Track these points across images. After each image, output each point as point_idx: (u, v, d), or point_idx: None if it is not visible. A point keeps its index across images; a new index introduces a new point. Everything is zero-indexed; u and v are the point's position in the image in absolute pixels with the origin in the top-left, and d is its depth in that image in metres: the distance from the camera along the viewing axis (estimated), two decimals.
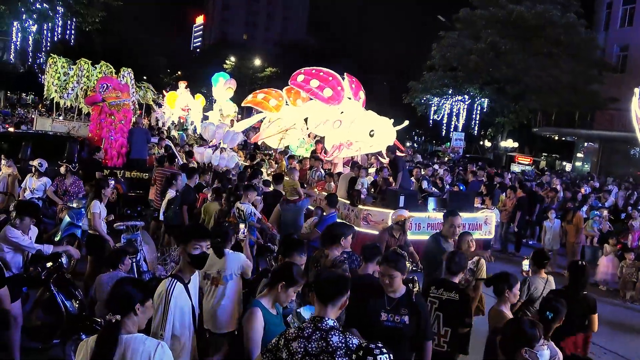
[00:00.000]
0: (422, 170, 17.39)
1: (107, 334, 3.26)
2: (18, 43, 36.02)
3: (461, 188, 15.71)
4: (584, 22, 36.84)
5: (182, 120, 28.08)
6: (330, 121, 14.32)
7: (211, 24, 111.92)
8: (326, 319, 3.50)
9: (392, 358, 3.17)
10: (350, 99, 14.40)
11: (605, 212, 14.06)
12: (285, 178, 11.41)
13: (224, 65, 60.28)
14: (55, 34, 36.59)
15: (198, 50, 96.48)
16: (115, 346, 3.21)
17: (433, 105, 42.53)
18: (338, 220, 10.82)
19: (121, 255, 6.54)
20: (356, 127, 14.08)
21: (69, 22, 36.40)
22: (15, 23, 33.85)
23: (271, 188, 11.29)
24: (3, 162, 11.37)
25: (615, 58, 39.91)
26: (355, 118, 14.18)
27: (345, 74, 14.63)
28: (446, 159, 37.73)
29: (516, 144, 48.11)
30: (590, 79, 36.07)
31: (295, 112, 16.42)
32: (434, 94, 41.59)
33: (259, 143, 19.84)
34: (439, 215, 11.51)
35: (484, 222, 12.24)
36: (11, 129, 20.63)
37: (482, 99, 40.52)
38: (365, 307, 4.69)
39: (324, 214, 9.33)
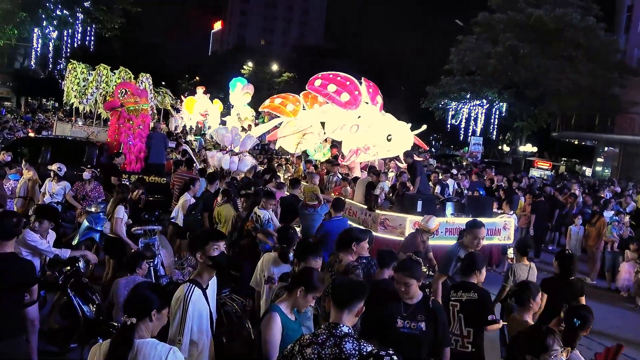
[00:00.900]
0: (440, 175, 17.27)
1: (122, 336, 3.24)
2: (39, 49, 36.56)
3: (480, 193, 15.56)
4: (604, 26, 36.47)
5: (199, 125, 28.20)
6: (347, 126, 14.28)
7: (229, 29, 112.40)
8: (341, 325, 3.46)
9: None
10: (367, 103, 14.35)
11: (626, 218, 13.84)
12: (304, 183, 11.38)
13: (242, 70, 60.50)
14: (75, 40, 37.08)
15: (216, 55, 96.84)
16: (129, 349, 3.19)
17: (451, 109, 42.35)
18: (354, 225, 10.80)
19: (139, 259, 6.55)
20: (373, 131, 14.03)
21: (88, 28, 36.87)
22: (36, 29, 34.36)
23: (286, 192, 11.26)
24: (24, 166, 11.48)
25: (636, 61, 39.39)
26: (372, 122, 14.13)
27: (362, 78, 14.58)
28: (464, 163, 37.45)
29: (535, 149, 47.73)
30: (610, 83, 35.64)
31: (312, 116, 16.36)
32: (452, 98, 41.39)
33: (277, 148, 19.85)
34: (457, 220, 11.44)
35: (502, 227, 12.11)
36: (32, 134, 20.88)
37: (501, 103, 40.28)
38: (381, 313, 4.64)
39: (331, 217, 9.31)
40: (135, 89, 14.79)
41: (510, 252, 6.89)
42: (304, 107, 17.02)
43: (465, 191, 16.61)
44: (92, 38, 38.25)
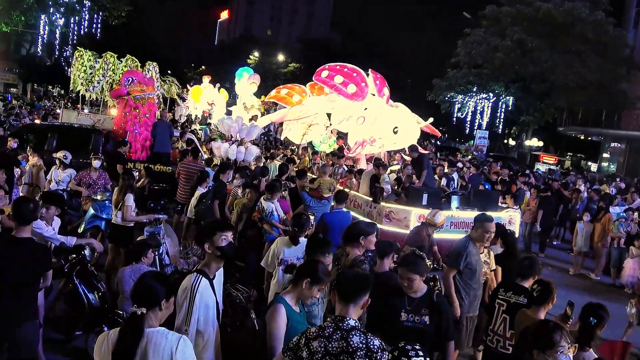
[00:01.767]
0: (445, 168, 17.24)
1: (132, 326, 3.23)
2: (45, 36, 36.56)
3: (486, 187, 15.52)
4: (613, 20, 36.30)
5: (205, 115, 28.18)
6: (353, 117, 14.23)
7: (235, 19, 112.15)
8: (348, 318, 3.45)
9: None
10: (374, 95, 14.30)
11: (635, 215, 13.78)
12: (310, 174, 11.35)
13: (248, 60, 60.38)
14: (82, 27, 37.07)
15: (222, 45, 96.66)
16: (139, 339, 3.19)
17: (457, 102, 42.25)
18: (358, 217, 10.79)
19: (144, 248, 6.56)
20: (380, 123, 13.98)
21: (95, 16, 36.86)
22: (43, 16, 34.36)
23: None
24: (29, 152, 11.47)
25: None
26: (378, 115, 14.08)
27: (369, 70, 14.52)
28: (469, 157, 37.36)
29: (541, 143, 47.60)
30: (618, 78, 35.50)
31: (318, 103, 16.20)
32: (458, 91, 41.29)
33: (282, 138, 19.80)
34: (462, 214, 11.42)
35: (508, 221, 12.06)
36: (37, 121, 20.89)
37: (507, 97, 40.15)
38: (385, 306, 4.65)
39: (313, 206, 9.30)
40: (142, 77, 14.78)
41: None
42: (309, 96, 16.97)
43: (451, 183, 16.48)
44: (99, 26, 38.24)
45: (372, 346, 3.30)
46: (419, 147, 14.36)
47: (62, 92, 54.57)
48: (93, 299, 6.23)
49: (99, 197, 9.73)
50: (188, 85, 33.48)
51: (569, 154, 50.45)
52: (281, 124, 19.82)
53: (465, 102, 42.08)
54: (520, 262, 5.92)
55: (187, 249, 9.10)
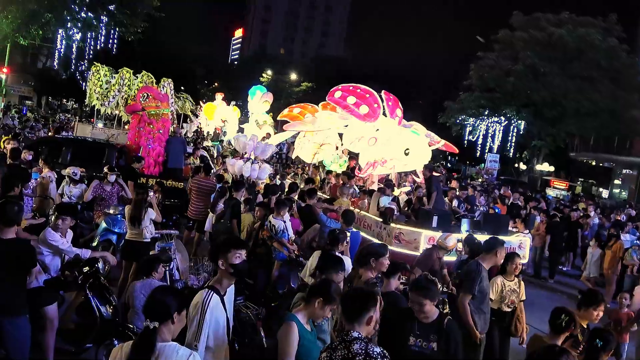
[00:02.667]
0: (457, 191, 17.24)
1: (145, 340, 3.27)
2: (62, 50, 37.02)
3: (496, 210, 15.50)
4: (626, 47, 36.32)
5: (217, 132, 28.37)
6: (365, 138, 14.30)
7: (250, 36, 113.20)
8: (352, 331, 3.54)
9: None
10: (386, 116, 14.37)
11: None
12: (320, 194, 11.40)
13: (261, 78, 60.77)
14: (99, 42, 37.51)
15: (236, 62, 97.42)
16: (152, 353, 3.23)
17: (468, 125, 42.28)
18: (368, 238, 10.80)
19: (155, 263, 6.61)
20: (391, 145, 14.03)
21: (112, 31, 37.32)
22: (60, 31, 34.82)
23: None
24: (41, 164, 11.55)
25: None
26: (390, 136, 14.14)
27: (382, 91, 14.61)
28: (479, 180, 37.32)
29: (552, 168, 47.45)
30: (630, 105, 35.41)
31: (329, 120, 16.20)
32: (469, 114, 41.34)
33: (294, 157, 19.91)
34: None
35: (518, 246, 12.03)
36: (51, 134, 21.12)
37: (519, 121, 40.16)
38: (395, 329, 4.66)
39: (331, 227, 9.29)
40: (157, 93, 14.93)
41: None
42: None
43: (482, 208, 16.49)
44: (115, 41, 38.70)
45: (371, 352, 3.37)
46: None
47: (77, 105, 55.04)
48: (105, 312, 6.27)
49: (111, 211, 9.82)
50: (201, 102, 33.77)
51: (580, 179, 50.26)
52: (293, 142, 19.91)
53: (476, 125, 42.12)
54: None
55: (197, 264, 9.15)
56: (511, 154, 45.12)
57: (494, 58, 39.19)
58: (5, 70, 37.25)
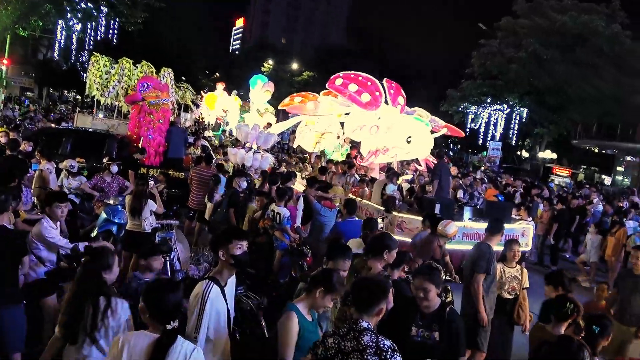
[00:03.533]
0: (461, 179, 17.16)
1: (167, 341, 3.27)
2: (62, 41, 36.89)
3: (499, 198, 15.42)
4: (630, 33, 36.04)
5: (219, 122, 28.31)
6: (367, 126, 14.20)
7: (251, 27, 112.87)
8: (361, 321, 3.51)
9: None
10: (387, 103, 14.26)
11: None
12: (334, 186, 11.39)
13: (262, 68, 60.58)
14: (99, 33, 37.37)
15: (237, 52, 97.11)
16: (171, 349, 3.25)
17: (470, 113, 42.13)
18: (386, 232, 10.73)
19: (155, 251, 6.54)
20: (393, 133, 13.95)
21: (112, 22, 37.17)
22: (60, 22, 34.68)
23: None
24: (37, 156, 11.47)
25: None
26: (392, 124, 14.05)
27: (384, 79, 14.50)
28: (482, 168, 37.20)
29: (554, 155, 47.32)
30: (633, 91, 35.16)
31: (331, 106, 16.04)
32: (472, 102, 41.18)
33: (295, 146, 19.83)
34: (475, 225, 11.34)
35: (521, 233, 11.98)
36: (52, 125, 21.04)
37: (522, 109, 39.98)
38: (397, 319, 4.61)
39: (340, 220, 9.22)
40: (157, 83, 14.86)
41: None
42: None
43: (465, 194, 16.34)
44: (116, 31, 38.54)
45: (382, 345, 3.36)
46: (432, 158, 14.34)
47: (78, 96, 54.92)
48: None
49: (111, 202, 9.75)
50: (202, 92, 33.67)
51: (582, 166, 50.14)
52: (294, 132, 19.81)
53: (478, 113, 41.97)
54: None
55: (198, 254, 9.11)
56: (513, 142, 44.98)
57: (496, 45, 38.98)
58: (5, 61, 37.11)
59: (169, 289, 3.43)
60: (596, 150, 46.12)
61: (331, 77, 14.40)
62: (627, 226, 13.83)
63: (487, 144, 43.47)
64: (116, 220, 9.48)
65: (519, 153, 51.17)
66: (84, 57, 40.82)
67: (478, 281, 6.52)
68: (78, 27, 36.16)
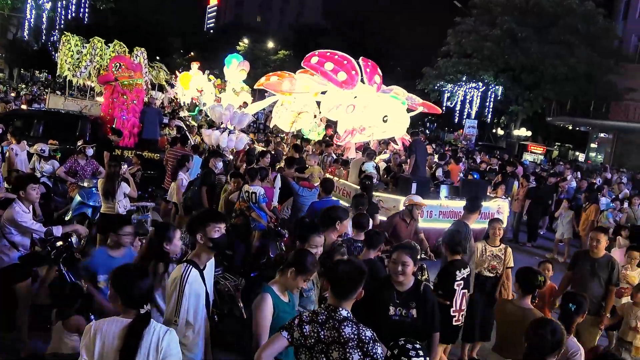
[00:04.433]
0: (435, 157, 17.25)
1: (140, 325, 3.26)
2: (32, 20, 36.11)
3: (475, 176, 15.56)
4: (603, 11, 36.29)
5: (194, 102, 28.04)
6: (343, 105, 14.15)
7: (225, 5, 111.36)
8: (340, 309, 3.47)
9: None
10: (363, 82, 14.22)
11: (625, 205, 13.87)
12: (310, 165, 11.35)
13: (237, 47, 59.97)
14: (69, 12, 36.63)
15: (211, 31, 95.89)
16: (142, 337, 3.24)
17: (446, 91, 42.23)
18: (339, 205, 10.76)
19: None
20: (369, 112, 13.92)
21: (83, 0, 36.44)
22: (29, 0, 33.90)
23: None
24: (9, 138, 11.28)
25: (633, 48, 39.51)
26: (368, 103, 14.02)
27: (360, 58, 14.43)
28: (458, 146, 37.41)
29: (529, 133, 47.77)
30: (607, 69, 35.54)
31: (308, 81, 15.92)
32: (448, 80, 41.22)
33: (271, 126, 19.72)
34: (452, 204, 11.46)
35: (496, 211, 12.12)
36: (24, 107, 20.65)
37: (497, 87, 40.16)
38: (373, 299, 4.61)
39: (304, 196, 9.26)
40: (130, 63, 14.64)
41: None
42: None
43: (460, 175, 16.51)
44: (87, 10, 37.79)
45: (364, 337, 3.33)
46: (408, 136, 14.38)
47: (50, 77, 54.00)
48: (80, 286, 6.16)
49: (85, 184, 9.64)
50: (177, 72, 33.26)
51: (557, 144, 50.70)
52: (270, 111, 19.68)
53: (454, 91, 42.07)
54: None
55: None
56: (489, 120, 45.25)
57: (471, 23, 38.98)
58: None
59: (137, 275, 3.39)
60: (570, 128, 46.63)
61: (307, 56, 14.30)
62: (600, 202, 14.05)
63: (463, 122, 43.68)
64: (90, 203, 9.38)
65: (494, 131, 51.54)
66: (54, 37, 40.03)
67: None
68: (48, 5, 35.34)
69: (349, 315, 3.46)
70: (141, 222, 8.59)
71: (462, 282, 5.74)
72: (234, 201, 9.16)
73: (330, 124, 16.45)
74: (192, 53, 64.91)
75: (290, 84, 15.80)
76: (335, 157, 14.18)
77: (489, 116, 43.56)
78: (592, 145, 44.71)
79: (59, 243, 6.12)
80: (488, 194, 12.92)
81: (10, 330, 5.96)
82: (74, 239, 6.36)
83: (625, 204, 14.16)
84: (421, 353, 3.08)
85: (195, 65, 29.58)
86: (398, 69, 57.92)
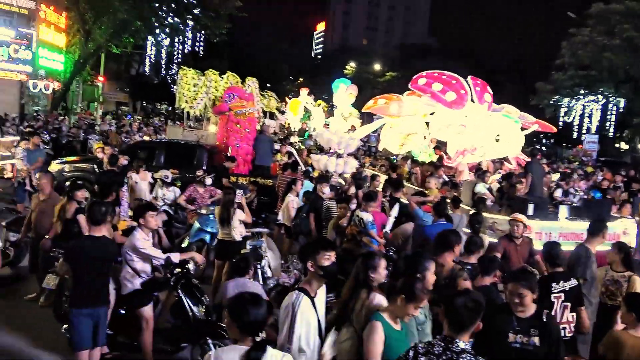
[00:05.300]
0: (551, 176, 16.49)
1: (257, 352, 3.32)
2: (152, 56, 38.55)
3: (594, 196, 14.70)
4: None
5: (303, 127, 28.56)
6: (453, 126, 13.88)
7: (332, 30, 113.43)
8: (457, 341, 3.36)
9: None
10: (474, 102, 13.90)
11: None
12: (408, 184, 11.19)
13: (345, 71, 60.68)
14: (185, 46, 38.75)
15: (319, 56, 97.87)
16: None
17: (563, 106, 40.46)
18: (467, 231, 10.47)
19: (248, 262, 6.64)
20: (481, 131, 13.57)
21: (197, 34, 38.43)
22: (150, 37, 36.25)
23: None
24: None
25: None
26: (479, 122, 13.67)
27: (469, 76, 14.13)
28: (576, 163, 35.63)
29: None
30: None
31: (418, 104, 15.73)
32: (564, 94, 39.50)
33: (380, 149, 19.67)
34: (572, 225, 10.83)
35: (622, 232, 11.33)
36: (147, 138, 21.89)
37: (618, 99, 37.97)
38: (491, 326, 4.42)
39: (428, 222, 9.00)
40: (243, 93, 15.16)
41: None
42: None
43: (581, 194, 15.64)
44: (202, 43, 39.83)
45: None
46: (523, 155, 13.89)
47: (170, 108, 57.11)
48: (197, 312, 6.38)
49: (203, 211, 10.04)
50: (287, 98, 34.09)
51: None
52: (380, 134, 19.64)
53: (571, 105, 40.23)
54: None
55: (288, 262, 9.18)
56: (611, 134, 42.80)
57: (587, 34, 37.23)
58: (101, 78, 39.19)
59: (252, 303, 3.45)
60: None
61: (414, 77, 14.19)
62: None
63: (582, 138, 41.60)
64: (209, 230, 9.74)
65: (617, 145, 48.64)
66: (173, 70, 42.42)
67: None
68: (166, 41, 37.63)
69: (466, 347, 3.34)
70: (256, 248, 8.78)
71: (561, 294, 5.47)
72: (343, 225, 9.16)
73: (440, 145, 16.13)
74: (300, 79, 66.40)
75: (398, 106, 15.69)
76: (447, 178, 13.87)
77: (611, 130, 41.20)
78: None
79: (177, 270, 6.38)
80: (613, 213, 12.13)
81: (138, 351, 6.27)
82: (191, 265, 6.61)
83: None
84: None
85: (304, 91, 30.18)
86: (509, 86, 56.25)
